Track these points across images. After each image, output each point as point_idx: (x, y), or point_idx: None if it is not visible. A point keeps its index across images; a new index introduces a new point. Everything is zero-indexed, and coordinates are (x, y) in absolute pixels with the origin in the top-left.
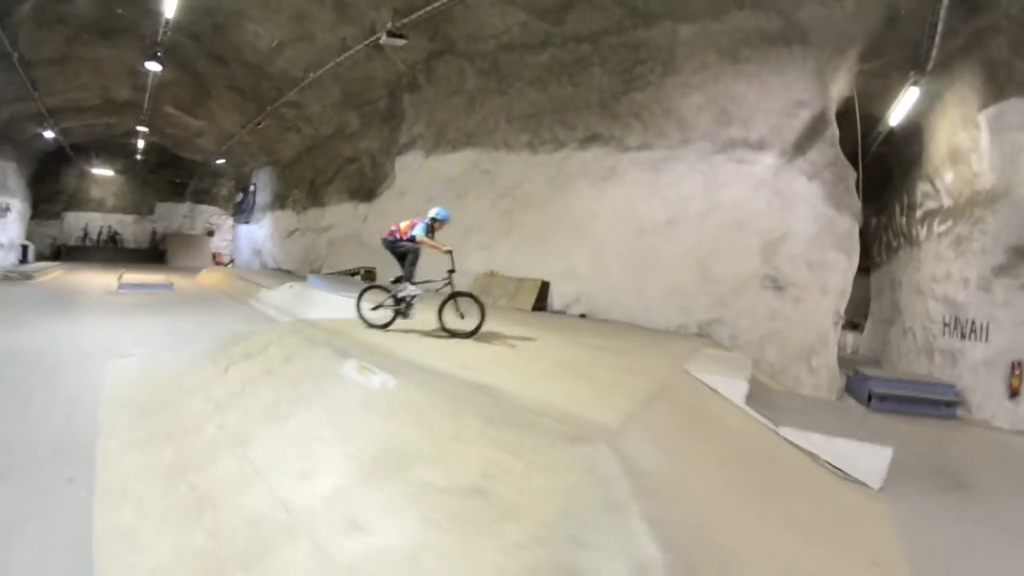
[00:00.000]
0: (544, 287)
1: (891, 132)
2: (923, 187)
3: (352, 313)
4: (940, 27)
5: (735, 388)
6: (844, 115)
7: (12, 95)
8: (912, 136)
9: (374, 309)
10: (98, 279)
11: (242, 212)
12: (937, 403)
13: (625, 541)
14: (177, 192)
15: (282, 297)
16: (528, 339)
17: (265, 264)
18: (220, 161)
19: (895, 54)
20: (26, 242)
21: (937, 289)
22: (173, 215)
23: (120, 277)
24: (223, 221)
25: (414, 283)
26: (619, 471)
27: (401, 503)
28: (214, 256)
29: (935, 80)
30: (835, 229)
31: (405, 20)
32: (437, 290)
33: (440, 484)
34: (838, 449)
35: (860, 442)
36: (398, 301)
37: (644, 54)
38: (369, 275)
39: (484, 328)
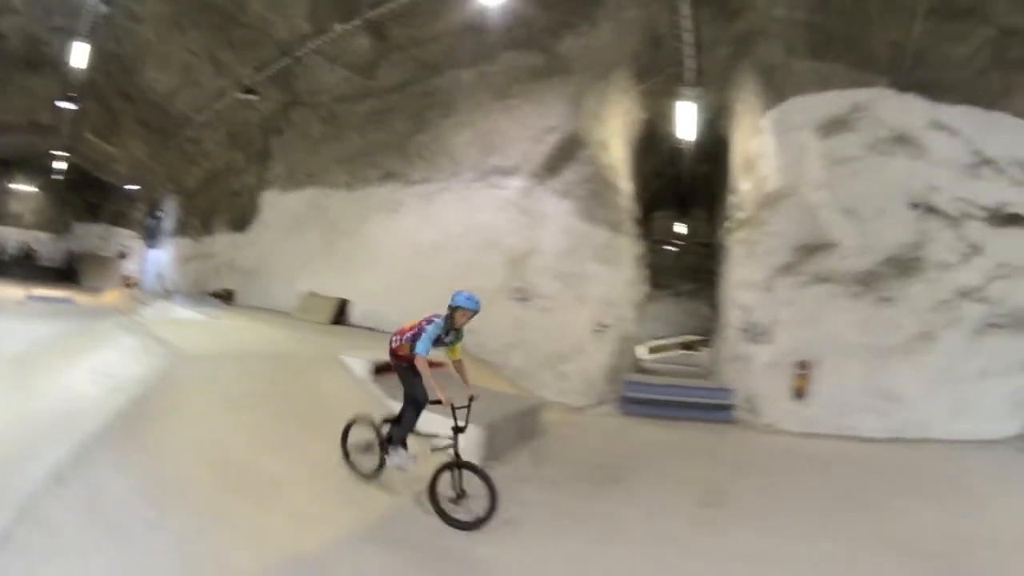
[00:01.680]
0: (343, 304)
1: (712, 149)
2: (731, 199)
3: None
4: (687, 38)
5: (359, 366)
6: (651, 137)
7: None
8: (722, 150)
9: (363, 451)
10: (9, 292)
11: (151, 237)
12: (706, 407)
13: None
14: (94, 213)
15: (152, 311)
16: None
17: (165, 287)
18: (133, 187)
19: (670, 71)
20: None
21: (736, 296)
22: (88, 235)
23: (29, 291)
24: (136, 244)
25: (405, 437)
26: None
27: (81, 373)
28: (125, 278)
29: (721, 91)
30: (592, 242)
31: (258, 77)
32: (437, 449)
33: (96, 365)
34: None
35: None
36: (383, 443)
37: (433, 100)
38: (227, 295)
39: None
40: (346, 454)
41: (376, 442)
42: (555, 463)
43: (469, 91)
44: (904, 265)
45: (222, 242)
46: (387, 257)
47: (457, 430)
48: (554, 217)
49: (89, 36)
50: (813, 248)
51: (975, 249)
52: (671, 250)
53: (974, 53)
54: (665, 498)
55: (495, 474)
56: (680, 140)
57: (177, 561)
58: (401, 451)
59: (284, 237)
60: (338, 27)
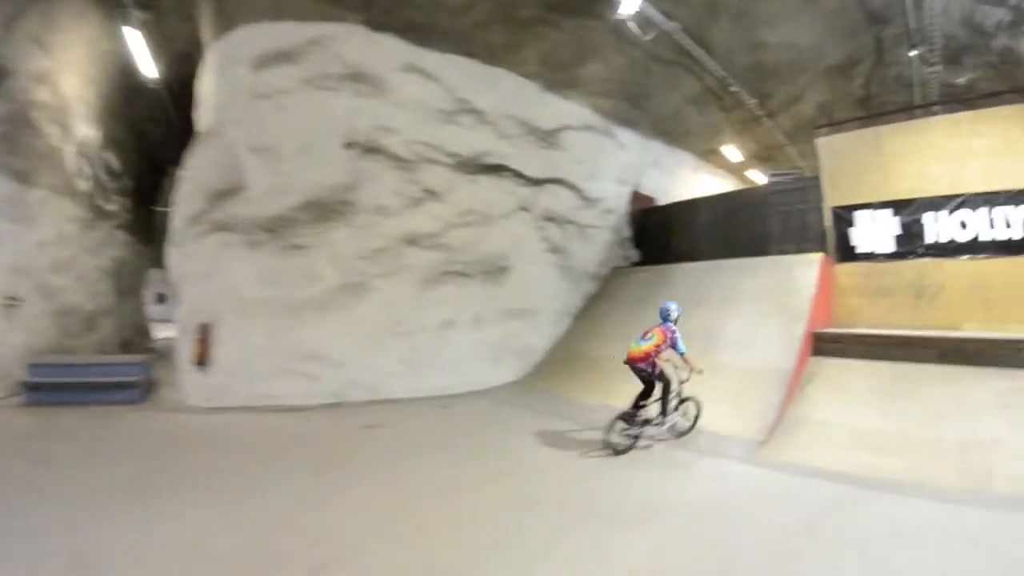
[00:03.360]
0: None
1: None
2: None
3: None
4: None
5: None
6: (133, 75)
7: None
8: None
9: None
10: None
11: None
12: (113, 387)
13: None
14: None
15: None
16: None
17: None
18: None
19: None
20: None
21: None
22: None
23: None
24: None
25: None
26: None
27: None
28: None
29: (184, 20)
30: None
31: None
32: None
33: None
34: None
35: None
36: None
37: None
38: None
39: None
40: (608, 443)
41: (631, 429)
42: None
43: None
44: (327, 209)
45: None
46: None
47: (682, 381)
48: None
49: None
50: (224, 193)
51: (433, 194)
52: None
53: (472, 4)
54: None
55: None
56: (151, 78)
57: None
58: (674, 415)
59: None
60: None
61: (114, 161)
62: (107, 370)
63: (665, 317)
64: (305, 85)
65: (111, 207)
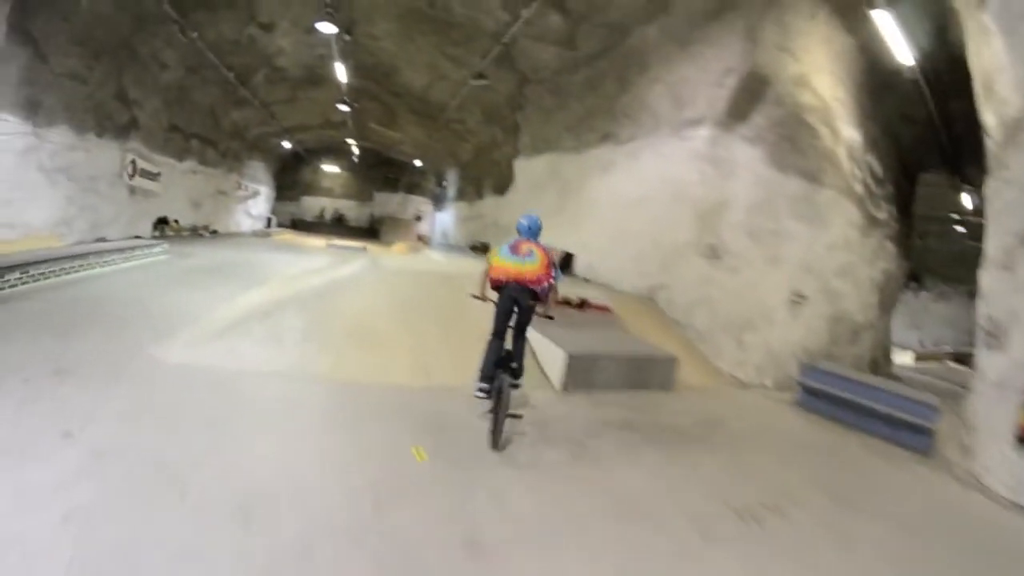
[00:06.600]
0: (569, 257)
1: (958, 74)
2: (987, 142)
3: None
4: None
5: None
6: (877, 70)
7: (258, 121)
8: (964, 74)
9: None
10: (316, 241)
11: (438, 202)
12: (896, 423)
13: None
14: (391, 184)
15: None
16: None
17: (448, 242)
18: (420, 162)
19: None
20: (271, 215)
21: (980, 280)
22: (388, 202)
23: (330, 240)
24: (429, 208)
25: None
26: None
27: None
28: (418, 236)
29: None
30: (787, 193)
31: (484, 64)
32: None
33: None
34: (548, 350)
35: (555, 345)
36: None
37: (631, 60)
38: (484, 248)
39: None
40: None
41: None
42: (627, 409)
43: (656, 45)
44: None
45: (489, 204)
46: (600, 213)
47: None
48: (744, 166)
49: (343, 57)
50: None
51: None
52: (958, 231)
53: None
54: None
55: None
56: (903, 67)
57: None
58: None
59: (530, 198)
60: (524, 12)
61: (876, 165)
62: (894, 401)
63: (534, 232)
64: None
65: (880, 215)
